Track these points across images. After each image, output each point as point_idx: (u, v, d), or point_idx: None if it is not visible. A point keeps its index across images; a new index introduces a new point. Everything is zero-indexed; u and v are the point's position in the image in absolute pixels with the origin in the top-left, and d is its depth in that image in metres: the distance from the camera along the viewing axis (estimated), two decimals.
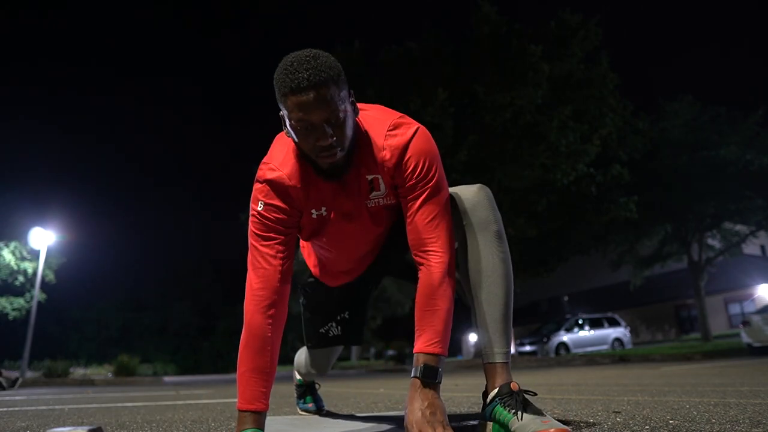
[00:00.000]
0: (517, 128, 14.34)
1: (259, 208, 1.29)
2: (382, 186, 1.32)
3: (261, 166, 1.33)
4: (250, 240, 1.30)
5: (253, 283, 1.27)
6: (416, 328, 1.24)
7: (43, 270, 17.72)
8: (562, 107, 13.94)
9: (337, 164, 1.23)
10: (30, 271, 18.64)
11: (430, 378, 1.19)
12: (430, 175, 1.28)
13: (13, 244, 18.42)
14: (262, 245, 1.28)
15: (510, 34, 14.73)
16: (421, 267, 1.28)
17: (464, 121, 14.57)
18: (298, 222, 1.35)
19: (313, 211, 1.33)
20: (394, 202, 1.36)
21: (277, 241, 1.28)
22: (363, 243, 1.44)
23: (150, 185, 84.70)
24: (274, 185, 1.29)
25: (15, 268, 18.54)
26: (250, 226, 1.31)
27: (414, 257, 1.30)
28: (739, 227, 19.50)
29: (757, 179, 16.25)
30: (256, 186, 1.31)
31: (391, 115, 1.33)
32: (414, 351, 1.24)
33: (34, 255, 18.50)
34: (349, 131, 1.19)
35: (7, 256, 18.24)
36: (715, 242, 19.90)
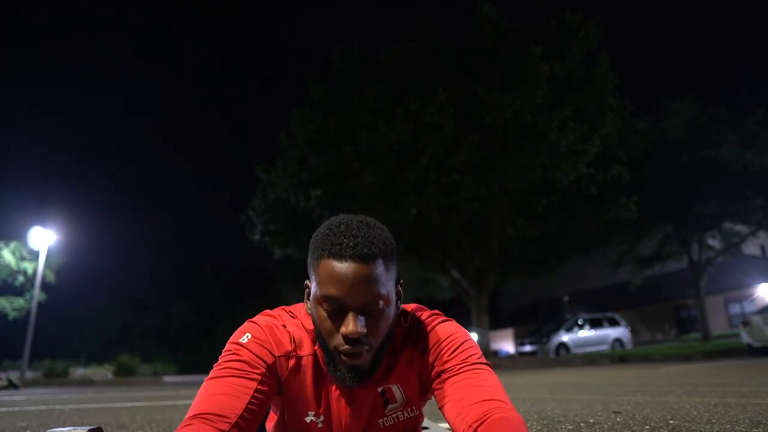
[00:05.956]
0: (517, 128, 14.33)
1: (242, 340, 0.99)
2: (399, 394, 1.06)
3: (261, 316, 1.08)
4: (215, 372, 0.96)
5: (200, 408, 0.88)
6: None
7: (43, 270, 17.72)
8: (562, 107, 13.94)
9: (360, 369, 0.94)
10: (30, 271, 18.64)
11: None
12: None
13: (13, 244, 18.43)
14: (233, 374, 0.94)
15: (510, 34, 14.73)
16: None
17: (464, 121, 14.57)
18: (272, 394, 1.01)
19: (310, 413, 1.04)
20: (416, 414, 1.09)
21: (255, 379, 0.94)
22: None
23: (150, 185, 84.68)
24: (276, 337, 1.01)
25: (15, 268, 18.55)
26: (221, 361, 0.98)
27: None
28: (739, 227, 19.50)
29: (757, 179, 16.25)
30: (249, 325, 1.04)
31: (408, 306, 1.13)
32: None
33: (34, 255, 18.50)
34: (384, 327, 0.94)
35: (7, 256, 18.25)
36: (715, 242, 19.89)
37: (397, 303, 1.00)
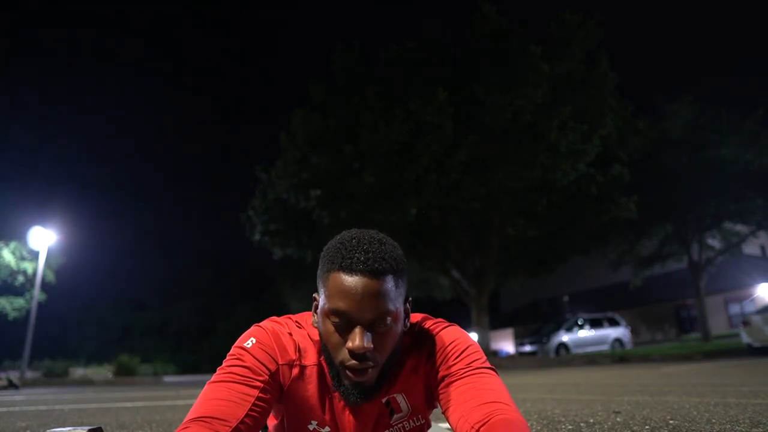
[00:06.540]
0: (517, 128, 14.33)
1: (247, 345, 0.98)
2: (404, 404, 1.05)
3: (268, 322, 1.06)
4: (217, 376, 0.95)
5: (199, 412, 0.87)
6: None
7: (43, 270, 17.73)
8: (562, 107, 13.94)
9: (365, 386, 0.94)
10: (30, 271, 18.65)
11: None
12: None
13: (13, 244, 18.44)
14: (235, 380, 0.93)
15: (510, 34, 14.73)
16: None
17: (464, 121, 14.57)
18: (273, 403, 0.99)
19: (313, 422, 1.04)
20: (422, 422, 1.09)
21: (257, 387, 0.93)
22: None
23: (150, 185, 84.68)
24: (281, 344, 1.00)
25: (15, 268, 18.56)
26: (224, 365, 0.97)
27: None
28: (739, 227, 19.49)
29: (757, 179, 16.26)
30: (255, 329, 1.03)
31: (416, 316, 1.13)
32: None
33: (34, 255, 18.51)
34: (391, 344, 0.94)
35: (7, 256, 18.25)
36: (715, 242, 19.89)
37: (404, 321, 0.98)
